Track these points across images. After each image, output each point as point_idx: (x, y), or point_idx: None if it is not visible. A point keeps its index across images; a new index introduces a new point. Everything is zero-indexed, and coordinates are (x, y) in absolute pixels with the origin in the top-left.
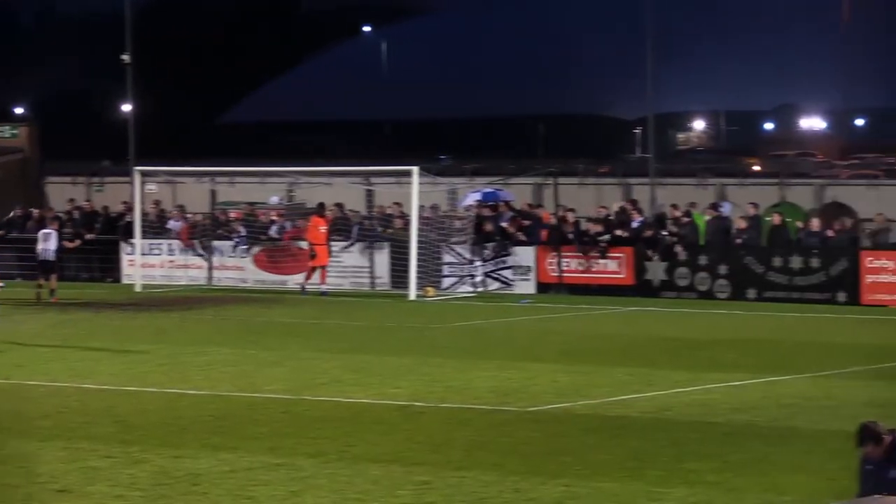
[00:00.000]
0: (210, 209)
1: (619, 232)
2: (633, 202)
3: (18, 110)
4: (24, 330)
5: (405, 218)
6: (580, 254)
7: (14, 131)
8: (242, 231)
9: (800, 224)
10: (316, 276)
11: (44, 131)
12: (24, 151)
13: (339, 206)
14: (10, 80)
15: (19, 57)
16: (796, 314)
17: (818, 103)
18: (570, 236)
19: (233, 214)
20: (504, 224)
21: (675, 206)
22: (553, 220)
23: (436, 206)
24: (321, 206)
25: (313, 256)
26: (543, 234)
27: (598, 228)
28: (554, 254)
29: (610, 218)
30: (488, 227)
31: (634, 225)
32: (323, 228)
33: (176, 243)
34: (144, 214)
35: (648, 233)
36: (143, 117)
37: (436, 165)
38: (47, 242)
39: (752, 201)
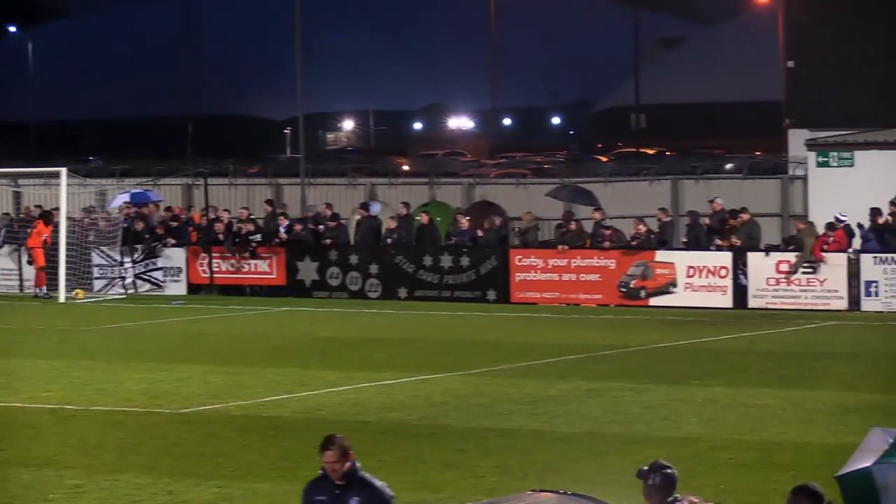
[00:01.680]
0: None
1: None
2: (283, 204)
3: None
4: None
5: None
6: (231, 254)
7: None
8: None
9: (452, 223)
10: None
11: None
12: None
13: None
14: None
15: None
16: (447, 312)
17: (466, 103)
18: (221, 237)
19: None
20: (154, 225)
21: (327, 206)
22: (203, 221)
23: (91, 207)
24: None
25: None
26: (193, 235)
27: (250, 228)
28: (204, 255)
29: (260, 218)
30: (138, 227)
31: (283, 227)
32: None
33: None
34: None
35: (302, 231)
36: None
37: (84, 167)
38: None
39: (402, 200)
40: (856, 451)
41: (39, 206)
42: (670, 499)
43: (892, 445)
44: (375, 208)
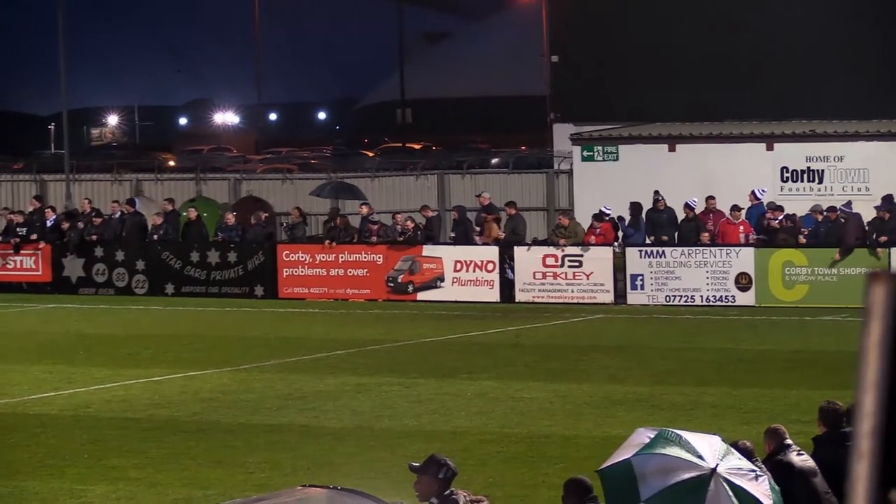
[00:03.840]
0: None
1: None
2: (46, 201)
3: None
4: None
5: None
6: None
7: None
8: None
9: (219, 219)
10: None
11: None
12: None
13: None
14: None
15: None
16: (215, 308)
17: (231, 98)
18: None
19: None
20: None
21: (88, 202)
22: None
23: None
24: None
25: None
26: None
27: (20, 220)
28: None
29: (29, 212)
30: None
31: (49, 222)
32: None
33: None
34: None
35: (67, 227)
36: None
37: None
38: None
39: (168, 197)
40: (619, 448)
41: None
42: (447, 492)
43: (651, 440)
44: (138, 204)
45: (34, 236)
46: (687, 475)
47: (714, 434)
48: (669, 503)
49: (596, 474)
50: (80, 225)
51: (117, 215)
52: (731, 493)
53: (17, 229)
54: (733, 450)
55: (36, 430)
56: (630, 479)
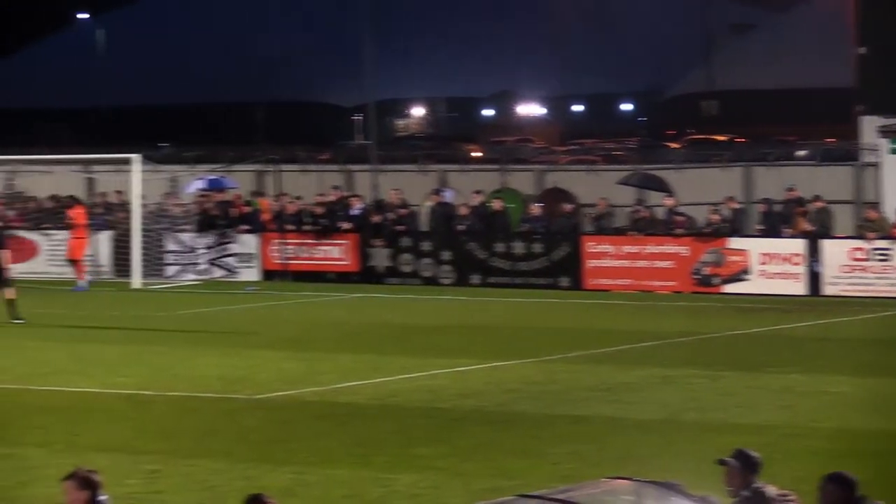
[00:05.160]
0: None
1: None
2: (353, 191)
3: None
4: None
5: (126, 206)
6: (304, 241)
7: None
8: None
9: (524, 210)
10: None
11: None
12: None
13: (53, 197)
14: None
15: None
16: (520, 299)
17: (536, 90)
18: (294, 223)
19: None
20: (231, 211)
21: (396, 192)
22: (276, 207)
23: (162, 193)
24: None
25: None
26: (267, 220)
27: (321, 211)
28: (278, 241)
29: (331, 202)
30: (213, 214)
31: (356, 212)
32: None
33: None
34: None
35: (375, 219)
36: None
37: (157, 153)
38: None
39: (474, 188)
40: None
41: (120, 192)
42: (756, 486)
43: None
44: (448, 195)
45: (347, 225)
46: None
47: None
48: None
49: None
50: (388, 215)
51: (425, 206)
52: None
53: (319, 220)
54: None
55: (344, 419)
56: None
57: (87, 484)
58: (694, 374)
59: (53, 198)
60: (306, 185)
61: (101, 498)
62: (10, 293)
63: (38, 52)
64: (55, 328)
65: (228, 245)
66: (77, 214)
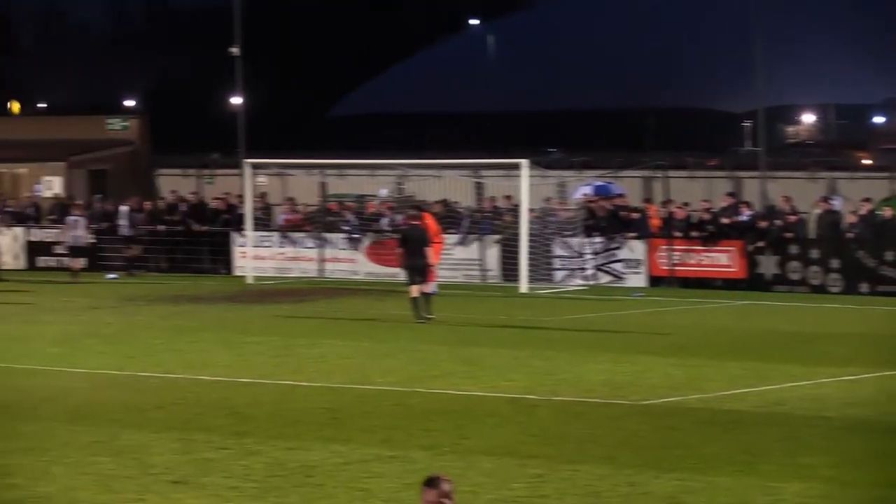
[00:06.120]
0: (320, 201)
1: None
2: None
3: (129, 103)
4: (135, 321)
5: (515, 211)
6: (690, 247)
7: (125, 124)
8: (353, 221)
9: None
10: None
11: (154, 124)
12: (135, 144)
13: (443, 201)
14: (121, 73)
15: (130, 50)
16: None
17: None
18: (681, 230)
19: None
20: (619, 216)
21: (786, 199)
22: (664, 214)
23: (549, 199)
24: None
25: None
26: (654, 227)
27: (707, 217)
28: (665, 247)
29: (719, 208)
30: (601, 218)
31: (744, 218)
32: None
33: (287, 235)
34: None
35: (763, 224)
36: (251, 109)
37: (545, 158)
38: (76, 229)
39: (863, 195)
40: None
41: (509, 198)
42: None
43: None
44: (837, 202)
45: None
46: None
47: None
48: None
49: None
50: (776, 222)
51: (813, 213)
52: None
53: (707, 229)
54: None
55: (729, 426)
56: None
57: (443, 494)
58: None
59: (443, 202)
60: (694, 191)
61: None
62: (423, 288)
63: (431, 57)
64: (442, 331)
65: (616, 251)
66: (430, 221)
